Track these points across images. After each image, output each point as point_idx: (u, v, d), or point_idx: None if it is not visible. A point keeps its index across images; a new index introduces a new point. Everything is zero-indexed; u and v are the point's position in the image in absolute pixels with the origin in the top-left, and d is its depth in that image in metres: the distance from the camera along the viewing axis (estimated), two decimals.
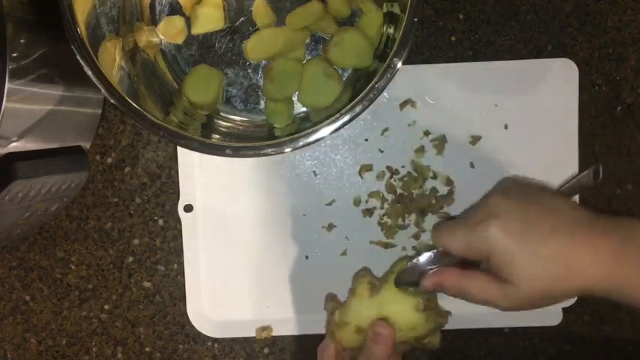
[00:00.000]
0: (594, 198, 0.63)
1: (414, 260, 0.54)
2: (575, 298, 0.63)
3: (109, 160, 0.63)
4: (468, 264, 0.51)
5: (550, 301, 0.47)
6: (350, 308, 0.55)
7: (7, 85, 0.45)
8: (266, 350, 0.65)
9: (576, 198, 0.62)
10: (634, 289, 0.45)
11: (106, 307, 0.65)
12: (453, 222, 0.51)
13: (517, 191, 0.50)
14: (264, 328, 0.63)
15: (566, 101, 0.62)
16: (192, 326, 0.63)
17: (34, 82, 0.48)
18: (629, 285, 0.45)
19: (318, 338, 0.64)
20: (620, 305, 0.63)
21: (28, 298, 0.64)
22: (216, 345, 0.65)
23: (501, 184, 0.54)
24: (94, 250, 0.64)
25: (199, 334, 0.64)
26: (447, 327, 0.62)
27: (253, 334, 0.63)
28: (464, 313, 0.62)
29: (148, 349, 0.65)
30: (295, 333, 0.64)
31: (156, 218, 0.64)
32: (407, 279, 0.54)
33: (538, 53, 0.62)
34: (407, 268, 0.54)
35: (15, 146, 0.49)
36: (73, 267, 0.64)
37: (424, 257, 0.54)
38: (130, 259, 0.64)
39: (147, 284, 0.64)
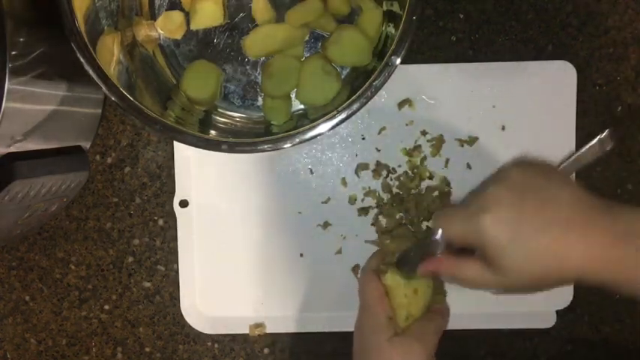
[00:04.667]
0: None
1: (417, 244, 0.56)
2: (570, 300, 0.63)
3: (109, 160, 0.63)
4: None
5: (543, 288, 0.49)
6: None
7: (7, 85, 0.45)
8: (266, 350, 0.65)
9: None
10: (625, 284, 0.46)
11: (106, 307, 0.65)
12: (453, 210, 0.52)
13: (516, 180, 0.49)
14: (257, 325, 0.63)
15: (564, 104, 0.61)
16: (193, 327, 0.63)
17: (34, 81, 0.48)
18: (619, 280, 0.46)
19: (319, 338, 0.64)
20: (620, 305, 0.64)
21: (28, 298, 0.64)
22: (216, 345, 0.65)
23: (504, 168, 0.54)
24: (94, 250, 0.64)
25: (199, 334, 0.64)
26: (448, 327, 0.62)
27: (246, 331, 0.63)
28: (464, 313, 0.62)
29: (148, 349, 0.65)
30: (289, 331, 0.63)
31: (156, 218, 0.64)
32: (409, 261, 0.55)
33: (538, 53, 0.62)
34: (409, 251, 0.55)
35: (15, 146, 0.49)
36: (72, 267, 0.64)
37: (428, 241, 0.54)
38: (130, 259, 0.64)
39: (147, 284, 0.64)
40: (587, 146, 0.55)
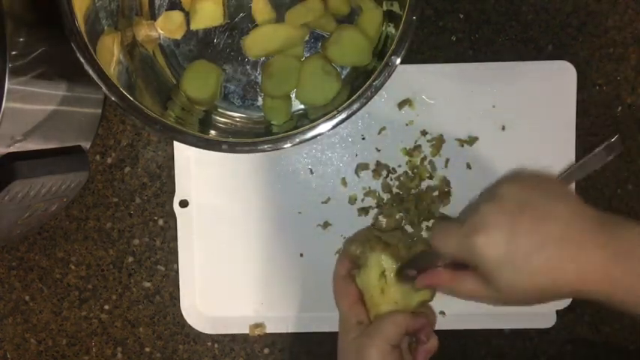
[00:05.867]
0: (594, 197, 0.63)
1: (416, 256, 0.56)
2: (570, 301, 0.63)
3: (109, 160, 0.63)
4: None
5: (539, 302, 0.48)
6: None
7: (7, 85, 0.45)
8: (266, 350, 0.65)
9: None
10: (620, 303, 0.45)
11: (106, 307, 0.65)
12: (448, 225, 0.52)
13: (510, 198, 0.48)
14: (257, 325, 0.63)
15: (564, 104, 0.61)
16: (193, 327, 0.63)
17: (34, 81, 0.49)
18: (614, 299, 0.45)
19: (319, 339, 0.64)
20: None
21: (28, 298, 0.64)
22: (216, 345, 0.65)
23: (499, 183, 0.53)
24: (94, 250, 0.64)
25: (199, 334, 0.64)
26: (448, 327, 0.63)
27: (246, 331, 0.63)
28: (464, 314, 0.62)
29: (148, 349, 0.65)
30: (289, 331, 0.63)
31: (156, 218, 0.64)
32: (408, 272, 0.55)
33: (538, 53, 0.62)
34: (410, 262, 0.56)
35: (15, 146, 0.49)
36: (72, 267, 0.64)
37: (427, 253, 0.55)
38: (130, 259, 0.64)
39: (147, 284, 0.64)
40: (593, 153, 0.52)
